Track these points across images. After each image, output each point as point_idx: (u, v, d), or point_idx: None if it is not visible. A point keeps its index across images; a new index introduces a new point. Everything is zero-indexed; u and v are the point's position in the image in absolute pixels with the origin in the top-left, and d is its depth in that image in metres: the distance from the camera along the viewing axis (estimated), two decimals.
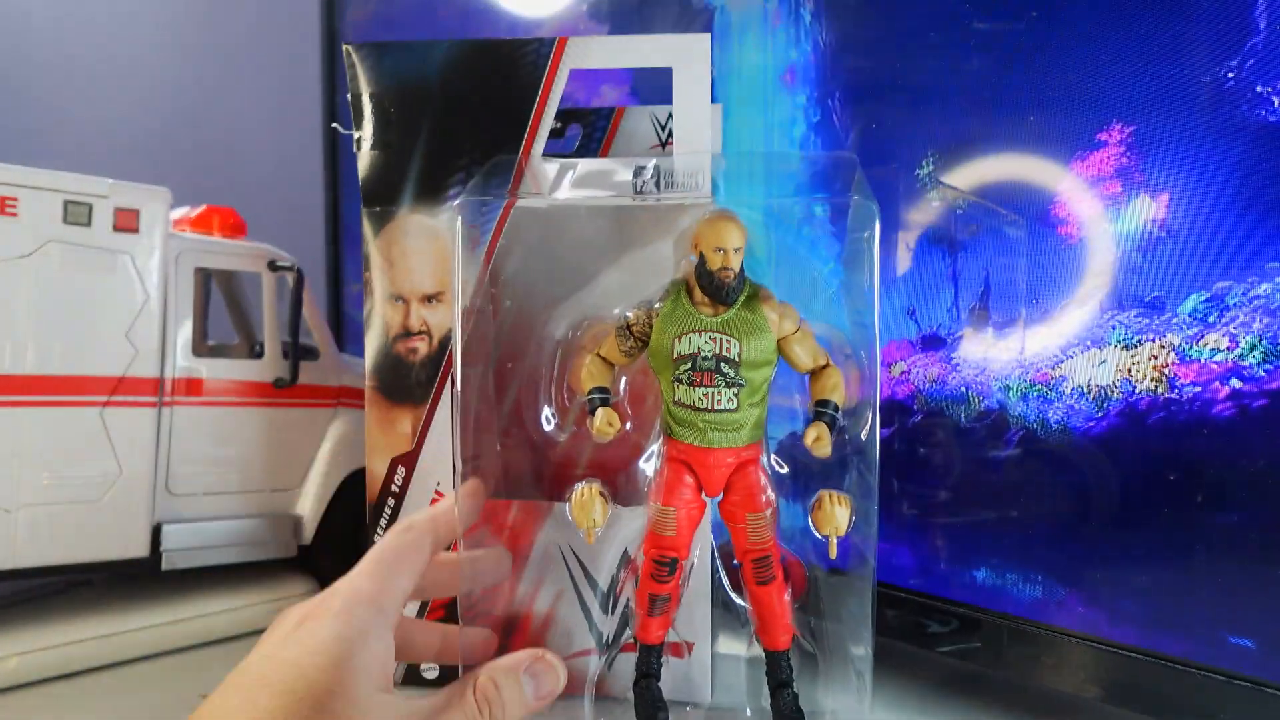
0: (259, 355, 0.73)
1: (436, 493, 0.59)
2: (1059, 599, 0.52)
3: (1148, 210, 0.48)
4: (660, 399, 0.45)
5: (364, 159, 0.60)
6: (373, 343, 0.60)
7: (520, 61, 0.56)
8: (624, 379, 0.49)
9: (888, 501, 0.61)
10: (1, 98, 1.54)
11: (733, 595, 0.48)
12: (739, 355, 0.42)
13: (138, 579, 0.69)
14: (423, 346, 0.59)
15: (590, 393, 0.45)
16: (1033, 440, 0.53)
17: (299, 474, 0.73)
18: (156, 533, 0.65)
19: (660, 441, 0.46)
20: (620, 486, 0.49)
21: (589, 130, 0.58)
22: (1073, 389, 0.51)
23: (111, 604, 0.66)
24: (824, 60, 0.63)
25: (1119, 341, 0.49)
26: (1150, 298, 0.48)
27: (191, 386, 0.67)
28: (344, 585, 0.40)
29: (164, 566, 0.65)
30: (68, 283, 0.60)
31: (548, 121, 0.55)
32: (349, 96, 0.60)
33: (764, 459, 0.45)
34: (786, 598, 0.44)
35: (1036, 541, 0.53)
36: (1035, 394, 0.53)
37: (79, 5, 1.51)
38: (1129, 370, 0.49)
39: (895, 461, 0.59)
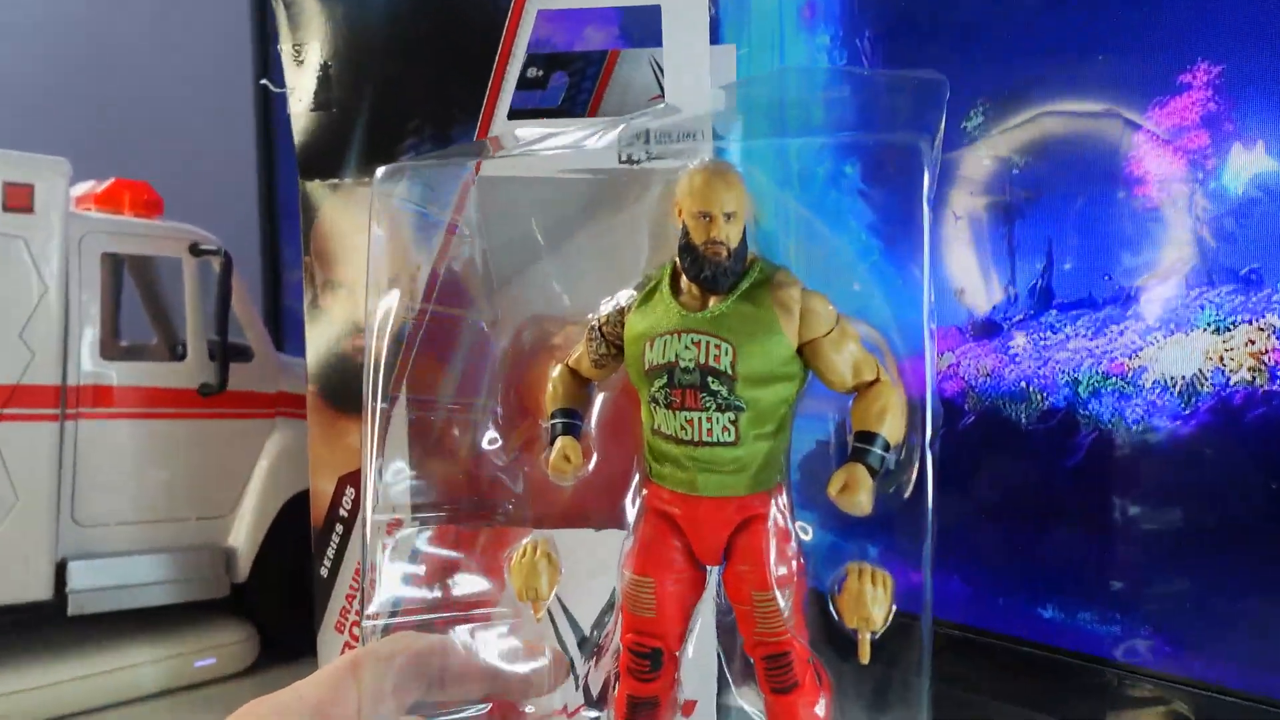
0: (181, 357, 0.72)
1: (394, 519, 0.58)
2: (1141, 636, 0.51)
3: (1242, 165, 0.48)
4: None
5: (300, 122, 0.59)
6: (316, 340, 0.59)
7: (480, 2, 0.55)
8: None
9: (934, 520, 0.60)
10: None
11: (741, 701, 0.41)
12: (732, 366, 0.35)
13: (40, 626, 0.68)
14: (371, 343, 0.59)
15: (551, 416, 0.40)
16: (1107, 444, 0.52)
17: (231, 498, 0.73)
18: (61, 571, 0.64)
19: (639, 485, 0.40)
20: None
21: (576, 79, 0.58)
22: (1154, 382, 0.51)
23: (10, 657, 0.65)
24: None
25: (1209, 324, 0.49)
26: (1246, 271, 0.48)
27: (100, 396, 0.67)
28: (279, 693, 0.39)
29: (71, 611, 0.65)
30: None
31: (514, 72, 0.54)
32: (279, 49, 0.59)
33: (785, 513, 0.37)
34: (819, 711, 0.36)
35: (1112, 567, 0.53)
36: (1109, 388, 0.52)
37: None
38: (1221, 358, 0.48)
39: (942, 473, 0.59)
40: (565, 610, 0.51)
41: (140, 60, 1.34)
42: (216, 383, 0.71)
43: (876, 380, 0.36)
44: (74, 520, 0.66)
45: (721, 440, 0.35)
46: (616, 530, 0.42)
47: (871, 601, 0.35)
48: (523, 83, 0.55)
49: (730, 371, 0.35)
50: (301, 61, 0.59)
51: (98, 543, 0.67)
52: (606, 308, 0.39)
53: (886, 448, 0.36)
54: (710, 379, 0.35)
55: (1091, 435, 0.53)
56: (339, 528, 0.59)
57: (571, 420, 0.40)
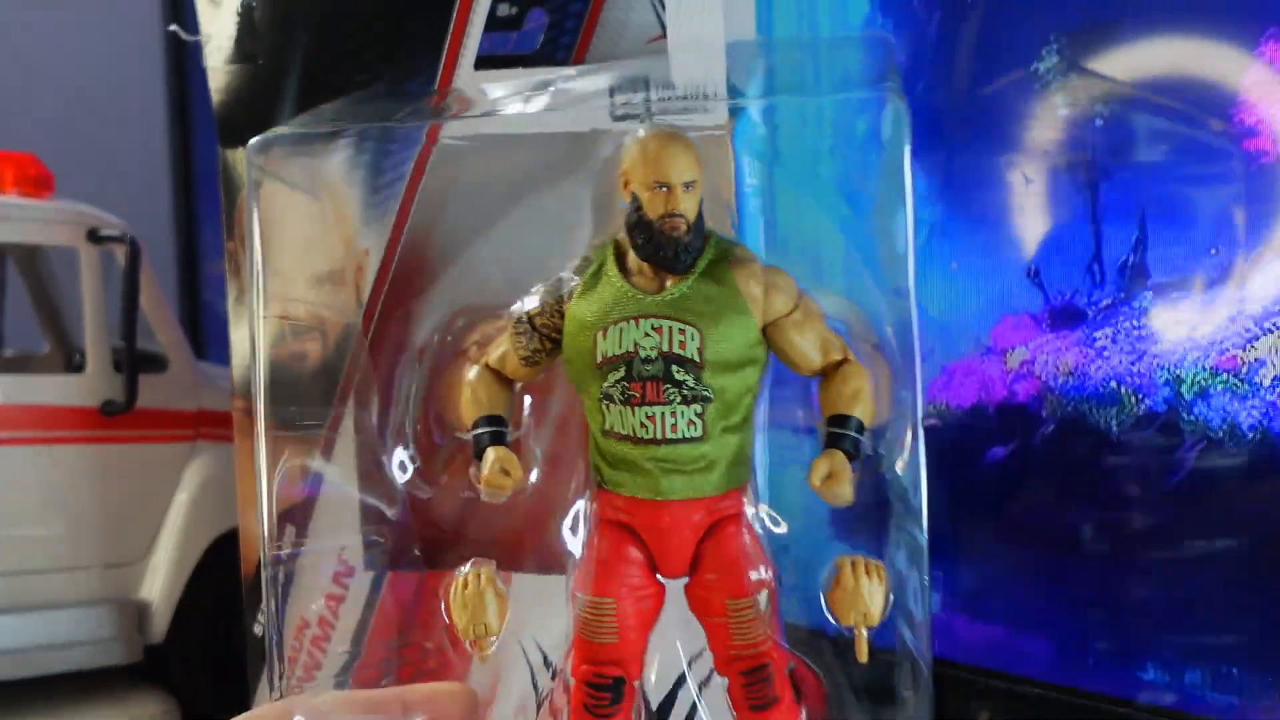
0: (79, 369, 0.73)
1: (342, 563, 0.59)
2: (1266, 703, 0.51)
3: None
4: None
5: (218, 77, 0.60)
6: (242, 345, 0.60)
7: None
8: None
9: (1007, 556, 0.60)
10: None
11: (704, 712, 0.43)
12: (699, 351, 0.37)
13: None
14: (314, 348, 0.59)
15: (475, 425, 0.41)
16: (1219, 454, 0.52)
17: (144, 541, 0.73)
18: None
19: (587, 497, 0.42)
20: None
21: (557, 18, 0.58)
22: (1275, 378, 0.51)
23: None
24: None
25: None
26: None
27: None
28: None
29: None
30: None
31: (481, 9, 0.55)
32: None
33: (751, 512, 0.40)
34: None
35: (1227, 613, 0.53)
36: (1219, 387, 0.52)
37: None
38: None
39: (1017, 494, 0.60)
40: (549, 665, 0.52)
41: (32, 21, 1.34)
42: (123, 399, 0.71)
43: (844, 361, 0.39)
44: None
45: (687, 436, 0.37)
46: None
47: (869, 596, 0.37)
48: (493, 23, 0.55)
49: (697, 358, 0.37)
50: (218, 3, 0.59)
51: None
52: (535, 297, 0.41)
53: (861, 430, 0.38)
54: (675, 368, 0.37)
55: (1199, 445, 0.53)
56: (278, 573, 0.60)
57: (499, 429, 0.41)
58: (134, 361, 0.71)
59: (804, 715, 0.39)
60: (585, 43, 0.59)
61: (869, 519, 0.40)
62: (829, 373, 0.39)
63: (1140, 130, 0.54)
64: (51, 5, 1.31)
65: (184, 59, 1.19)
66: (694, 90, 0.50)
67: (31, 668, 0.68)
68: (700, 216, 0.38)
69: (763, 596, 0.38)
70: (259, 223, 0.48)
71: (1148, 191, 0.54)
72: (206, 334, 1.18)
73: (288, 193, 0.59)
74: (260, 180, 0.56)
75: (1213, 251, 0.52)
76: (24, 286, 0.81)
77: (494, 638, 0.40)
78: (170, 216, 1.21)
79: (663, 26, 0.57)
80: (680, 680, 0.46)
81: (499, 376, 0.42)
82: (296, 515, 0.58)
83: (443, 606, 0.41)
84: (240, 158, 0.60)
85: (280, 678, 0.61)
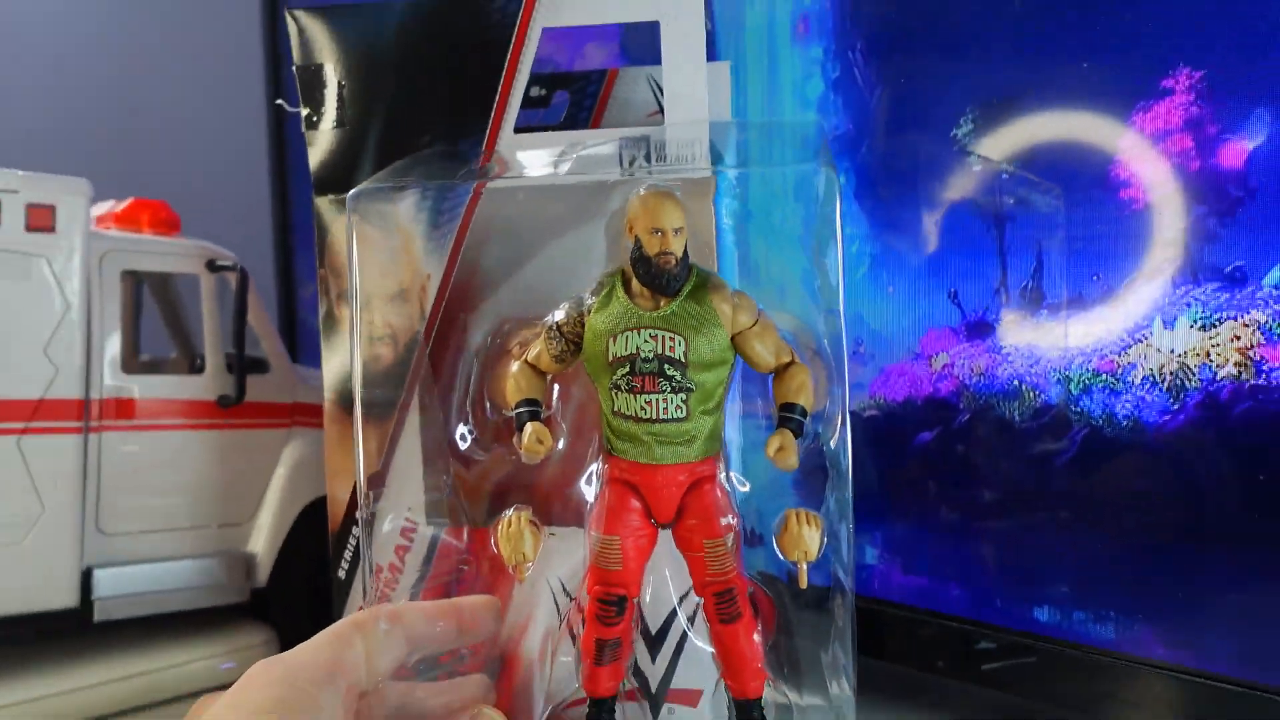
0: (200, 370, 0.72)
1: (408, 521, 0.59)
2: (1133, 631, 0.51)
3: (1223, 168, 0.48)
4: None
5: (315, 140, 0.60)
6: (332, 350, 0.60)
7: (486, 21, 0.56)
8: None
9: (932, 520, 0.60)
10: None
11: (693, 636, 0.47)
12: (685, 354, 0.41)
13: (67, 633, 0.67)
14: (387, 352, 0.59)
15: (517, 406, 0.45)
16: (1099, 438, 0.52)
17: (250, 506, 0.73)
18: (87, 579, 0.65)
19: (599, 460, 0.45)
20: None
21: (577, 98, 0.58)
22: (1143, 378, 0.51)
23: (38, 663, 0.65)
24: (843, 6, 0.63)
25: (1195, 321, 0.49)
26: (1230, 269, 0.48)
27: (122, 408, 0.67)
28: (287, 654, 0.39)
29: (97, 617, 0.65)
30: None
31: (519, 89, 0.55)
32: (294, 69, 0.60)
33: (722, 475, 0.44)
34: (756, 638, 0.43)
35: (1105, 561, 0.53)
36: (1100, 385, 0.52)
37: None
38: (1208, 354, 0.48)
39: (940, 469, 0.59)
40: (577, 604, 0.51)
41: (156, 83, 1.34)
42: (234, 394, 0.71)
43: (792, 362, 0.43)
44: (99, 529, 0.66)
45: (675, 417, 0.41)
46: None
47: (808, 538, 0.42)
48: (526, 101, 0.56)
49: (683, 359, 0.41)
50: (315, 83, 0.59)
51: (122, 551, 0.67)
52: (561, 310, 0.45)
53: (804, 415, 0.42)
54: (666, 366, 0.41)
55: (1083, 431, 0.53)
56: (355, 530, 0.60)
57: (536, 408, 0.45)
58: (243, 365, 0.71)
59: (759, 626, 0.43)
60: (599, 116, 0.59)
61: (810, 482, 0.44)
62: (780, 372, 0.43)
63: (1036, 182, 0.54)
64: (183, 85, 1.32)
65: (283, 126, 1.19)
66: (683, 155, 0.51)
67: (167, 605, 0.68)
68: (685, 254, 0.42)
69: (730, 538, 0.43)
70: (356, 254, 0.51)
71: (1043, 230, 0.54)
72: (300, 343, 1.18)
73: (370, 231, 0.59)
74: (355, 222, 0.57)
75: (1094, 278, 0.53)
76: (156, 306, 0.81)
77: (529, 564, 0.44)
78: (271, 250, 1.21)
79: (659, 104, 0.57)
80: (673, 614, 0.48)
81: (535, 370, 0.45)
82: (375, 482, 0.59)
83: (491, 541, 0.45)
84: (327, 204, 0.61)
85: (362, 608, 0.62)
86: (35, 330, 0.63)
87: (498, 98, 0.55)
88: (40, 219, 0.62)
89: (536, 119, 0.57)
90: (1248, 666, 0.47)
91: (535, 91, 0.56)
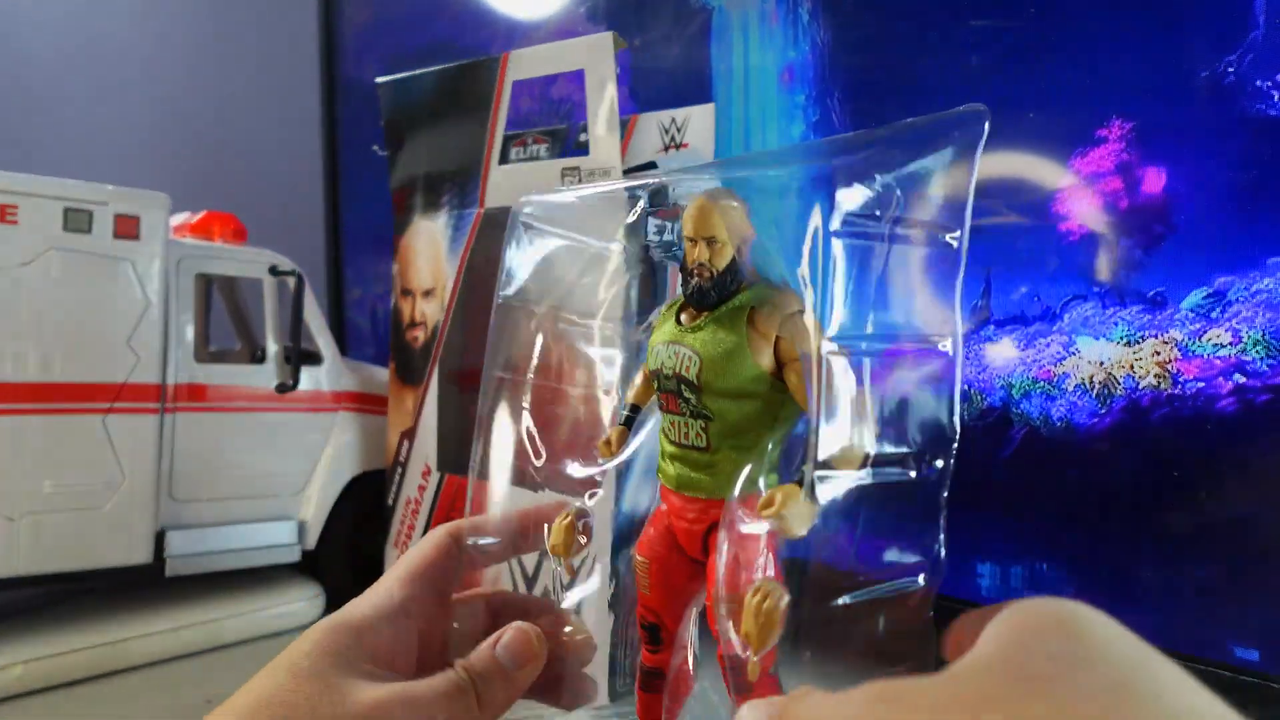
0: (261, 361, 0.72)
1: (426, 465, 0.64)
2: (1064, 590, 0.51)
3: (1148, 206, 0.48)
4: None
5: (394, 175, 0.68)
6: (394, 331, 0.68)
7: (480, 80, 0.61)
8: None
9: None
10: (1, 104, 1.54)
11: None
12: (698, 376, 0.32)
13: (142, 585, 0.68)
14: (422, 335, 0.63)
15: (624, 408, 0.38)
16: (1036, 436, 0.53)
17: (302, 479, 0.73)
18: (160, 539, 0.65)
19: None
20: None
21: (553, 145, 0.63)
22: (1075, 386, 0.51)
23: (116, 611, 0.66)
24: (822, 59, 0.63)
25: (1121, 338, 0.49)
26: (1152, 294, 0.48)
27: (194, 393, 0.67)
28: (406, 557, 0.36)
29: (167, 573, 0.65)
30: (69, 290, 0.60)
31: (501, 132, 0.60)
32: (382, 124, 0.68)
33: (759, 526, 0.31)
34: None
35: (1040, 543, 0.53)
36: (1038, 391, 0.53)
37: (77, 11, 1.51)
38: (1131, 366, 0.49)
39: None
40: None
41: (229, 111, 1.35)
42: (290, 382, 0.71)
43: None
44: (171, 497, 0.66)
45: (695, 445, 0.33)
46: None
47: (755, 618, 0.28)
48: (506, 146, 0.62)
49: (696, 381, 0.32)
50: (387, 132, 0.68)
51: (191, 515, 0.67)
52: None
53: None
54: (683, 387, 0.33)
55: (1022, 431, 0.53)
56: (399, 469, 0.67)
57: (632, 415, 0.38)
58: (298, 356, 0.71)
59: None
60: (622, 155, 0.62)
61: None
62: None
63: (989, 214, 0.54)
64: (253, 115, 1.32)
65: (338, 150, 1.20)
66: (601, 174, 0.55)
67: (229, 563, 0.69)
68: (730, 268, 0.33)
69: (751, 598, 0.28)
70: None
71: (993, 256, 0.55)
72: (348, 338, 1.19)
73: (415, 241, 0.64)
74: (400, 236, 0.59)
75: (1035, 299, 0.53)
76: (224, 304, 0.81)
77: (574, 559, 0.37)
78: (324, 258, 1.22)
79: (663, 143, 0.58)
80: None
81: (646, 378, 0.37)
82: (409, 435, 0.63)
83: (546, 530, 0.37)
84: (399, 222, 0.68)
85: (398, 532, 0.67)
86: (120, 324, 0.63)
87: (487, 138, 0.59)
88: (126, 228, 0.62)
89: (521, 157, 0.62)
90: (1161, 636, 0.48)
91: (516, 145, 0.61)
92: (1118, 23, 0.49)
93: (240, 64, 1.34)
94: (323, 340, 0.75)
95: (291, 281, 0.71)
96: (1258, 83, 0.44)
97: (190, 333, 0.67)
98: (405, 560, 0.36)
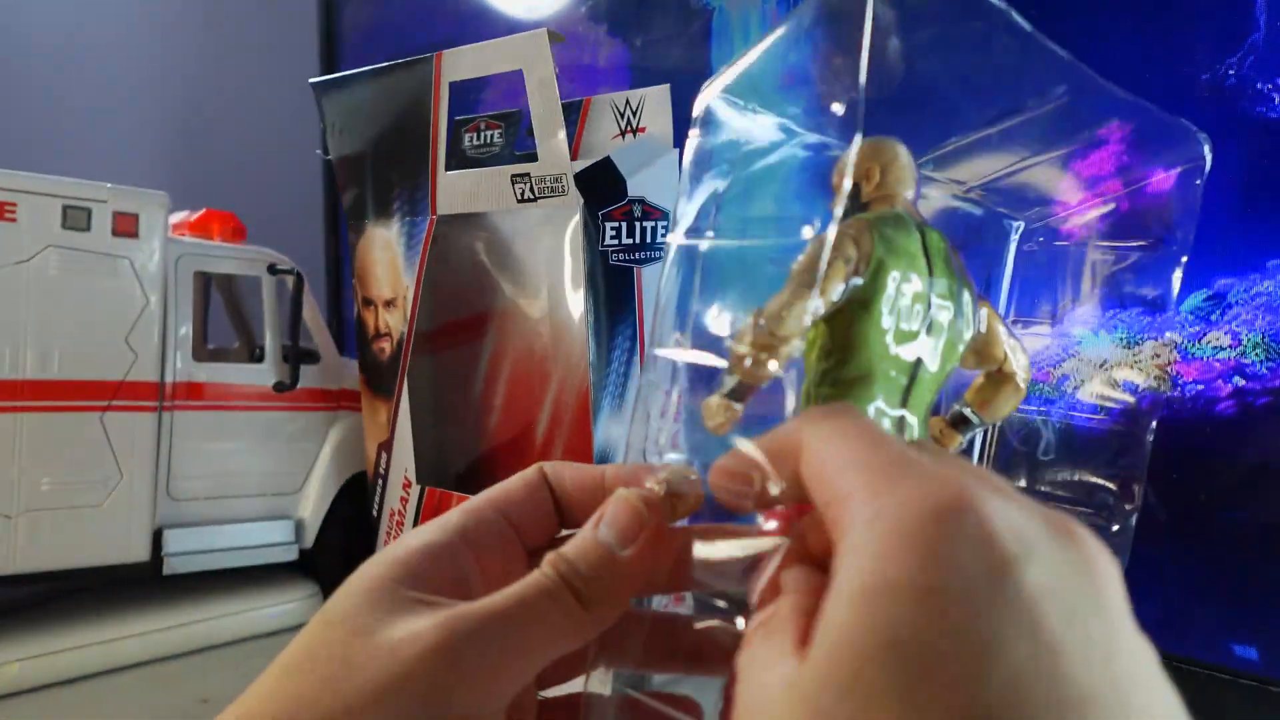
0: (259, 359, 0.72)
1: (406, 478, 0.63)
2: None
3: (1148, 208, 0.48)
4: None
5: (339, 180, 0.65)
6: (359, 342, 0.66)
7: (417, 81, 0.58)
8: None
9: None
10: (1, 103, 1.54)
11: None
12: None
13: (139, 584, 0.68)
14: (388, 346, 0.62)
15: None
16: (1036, 436, 0.52)
17: (300, 477, 0.73)
18: (157, 537, 0.65)
19: None
20: None
21: (507, 138, 0.61)
22: (1074, 388, 0.51)
23: (113, 609, 0.65)
24: None
25: (1120, 340, 0.49)
26: (1152, 296, 0.48)
27: (192, 391, 0.67)
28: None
29: (165, 571, 0.65)
30: (67, 287, 0.60)
31: (443, 136, 0.57)
32: (321, 127, 0.65)
33: None
34: None
35: None
36: (1036, 393, 0.52)
37: (77, 11, 1.51)
38: (1131, 368, 0.49)
39: None
40: None
41: (228, 110, 1.34)
42: (289, 381, 0.71)
43: None
44: (169, 495, 0.66)
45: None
46: None
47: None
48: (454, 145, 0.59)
49: None
50: (328, 136, 0.66)
51: (188, 514, 0.67)
52: None
53: None
54: None
55: (1022, 431, 0.53)
56: (380, 482, 0.65)
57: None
58: (296, 355, 0.71)
59: None
60: (579, 140, 0.60)
61: None
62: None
63: (988, 221, 0.54)
64: (253, 116, 1.32)
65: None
66: (554, 181, 0.52)
67: (226, 562, 0.68)
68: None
69: None
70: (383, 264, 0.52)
71: (991, 262, 0.54)
72: (346, 337, 1.19)
73: (373, 249, 0.62)
74: (356, 242, 0.57)
75: (1036, 300, 0.53)
76: (222, 302, 0.81)
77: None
78: (324, 257, 1.22)
79: (619, 128, 0.58)
80: None
81: None
82: (386, 447, 0.62)
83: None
84: (353, 228, 0.66)
85: (384, 544, 0.66)
86: (119, 321, 0.63)
87: (430, 142, 0.57)
88: (125, 225, 0.62)
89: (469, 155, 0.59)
90: (1159, 637, 0.48)
91: (468, 140, 0.58)
92: (1119, 25, 0.49)
93: (240, 62, 1.33)
94: (321, 339, 0.75)
95: (290, 280, 0.71)
96: (1258, 85, 0.44)
97: (189, 331, 0.67)
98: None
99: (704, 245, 0.30)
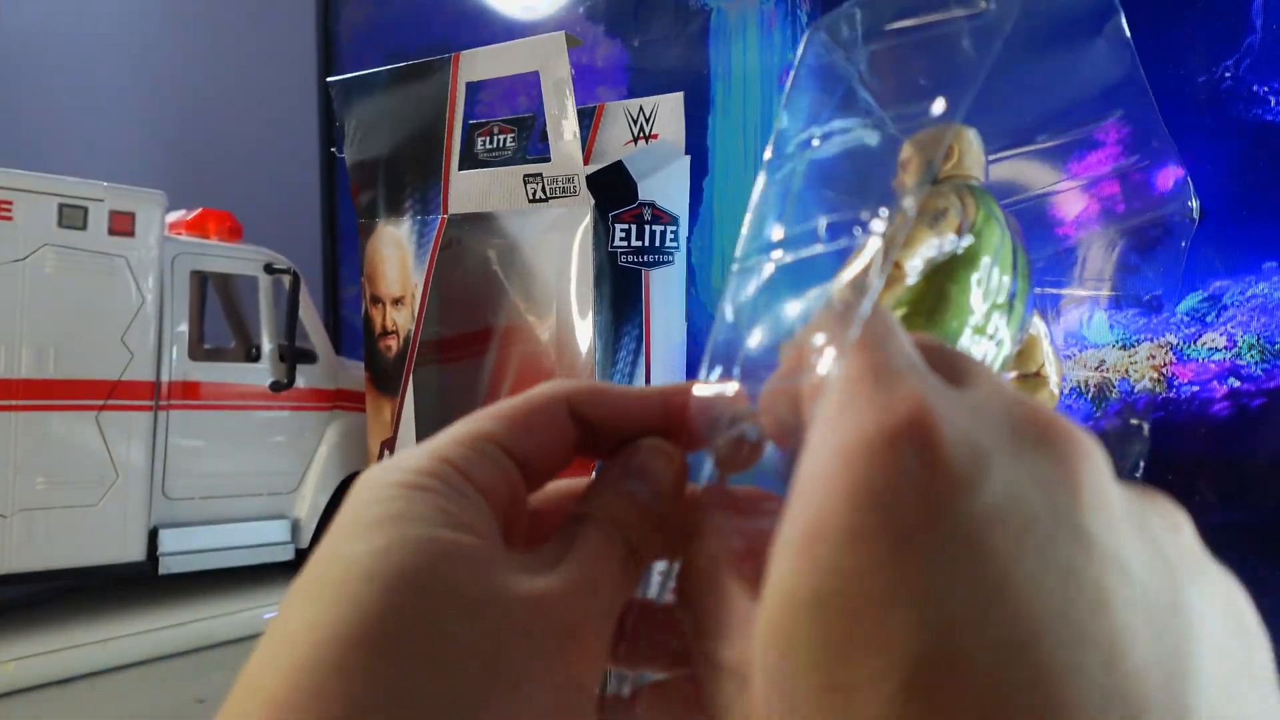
0: (255, 359, 0.72)
1: None
2: None
3: (1144, 209, 0.48)
4: None
5: (354, 182, 0.64)
6: (366, 340, 0.65)
7: (434, 80, 0.59)
8: None
9: None
10: None
11: None
12: None
13: (134, 583, 0.68)
14: (395, 344, 0.62)
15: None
16: None
17: (296, 477, 0.73)
18: (153, 537, 0.65)
19: None
20: None
21: (519, 139, 0.61)
22: (1071, 389, 0.51)
23: (108, 609, 0.65)
24: None
25: (1117, 341, 0.49)
26: (1148, 298, 0.48)
27: (188, 390, 0.67)
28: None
29: (160, 571, 0.65)
30: (63, 286, 0.60)
31: (458, 136, 0.58)
32: (337, 125, 0.65)
33: None
34: None
35: None
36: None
37: (74, 9, 1.51)
38: (1127, 370, 0.49)
39: None
40: None
41: (225, 109, 1.34)
42: (285, 380, 0.71)
43: None
44: (164, 494, 0.66)
45: None
46: None
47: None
48: (468, 143, 0.60)
49: None
50: (343, 135, 0.65)
51: (184, 514, 0.67)
52: None
53: None
54: None
55: None
56: None
57: None
58: (293, 355, 0.71)
59: None
60: (590, 146, 0.60)
61: None
62: None
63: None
64: (250, 114, 1.32)
65: (332, 151, 1.20)
66: (566, 181, 0.52)
67: (222, 562, 0.68)
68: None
69: None
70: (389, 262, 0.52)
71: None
72: (343, 337, 1.19)
73: (383, 247, 0.62)
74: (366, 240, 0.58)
75: (1033, 300, 0.53)
76: (219, 301, 0.81)
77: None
78: (320, 256, 1.22)
79: (632, 134, 0.58)
80: None
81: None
82: (389, 444, 0.62)
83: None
84: (364, 226, 0.65)
85: None
86: (115, 321, 0.63)
87: (444, 141, 0.57)
88: (121, 224, 0.62)
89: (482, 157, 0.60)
90: None
91: (479, 142, 0.59)
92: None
93: (237, 61, 1.33)
94: (318, 339, 0.75)
95: (287, 279, 0.71)
96: (1254, 87, 0.44)
97: (185, 330, 0.67)
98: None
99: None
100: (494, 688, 0.17)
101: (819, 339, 0.19)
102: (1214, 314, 0.45)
